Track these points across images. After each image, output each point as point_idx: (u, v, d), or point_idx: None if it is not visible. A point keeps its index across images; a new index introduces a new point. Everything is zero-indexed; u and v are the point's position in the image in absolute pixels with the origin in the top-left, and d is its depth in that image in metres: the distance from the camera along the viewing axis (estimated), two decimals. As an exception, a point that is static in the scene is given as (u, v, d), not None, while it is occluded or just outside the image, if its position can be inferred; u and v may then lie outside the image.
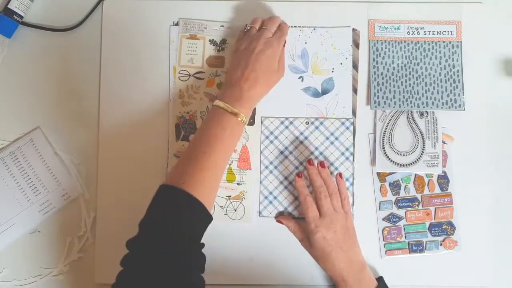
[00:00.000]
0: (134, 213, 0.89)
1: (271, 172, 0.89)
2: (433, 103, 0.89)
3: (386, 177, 0.89)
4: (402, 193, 0.89)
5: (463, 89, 0.89)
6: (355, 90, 0.90)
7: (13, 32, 0.90)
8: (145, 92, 0.90)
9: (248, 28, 0.87)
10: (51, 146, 0.90)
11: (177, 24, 0.91)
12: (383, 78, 0.90)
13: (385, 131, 0.89)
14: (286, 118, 0.90)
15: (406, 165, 0.88)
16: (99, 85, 0.90)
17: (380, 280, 0.84)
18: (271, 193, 0.89)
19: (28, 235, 0.89)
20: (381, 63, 0.90)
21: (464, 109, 0.89)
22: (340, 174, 0.86)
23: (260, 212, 0.89)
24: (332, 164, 0.89)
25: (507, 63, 0.90)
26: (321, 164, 0.85)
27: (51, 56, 0.91)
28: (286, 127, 0.90)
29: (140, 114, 0.90)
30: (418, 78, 0.90)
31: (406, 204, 0.89)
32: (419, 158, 0.88)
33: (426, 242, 0.88)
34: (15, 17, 0.89)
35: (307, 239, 0.84)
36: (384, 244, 0.88)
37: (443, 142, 0.89)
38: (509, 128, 0.90)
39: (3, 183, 0.88)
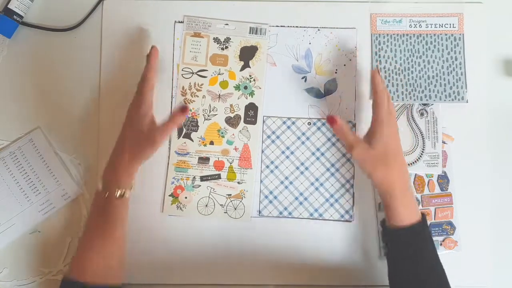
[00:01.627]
0: (133, 212, 0.89)
1: (272, 171, 0.89)
2: (436, 96, 0.89)
3: (386, 177, 0.89)
4: (402, 193, 0.89)
5: (465, 82, 0.89)
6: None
7: (13, 32, 0.90)
8: (146, 92, 0.90)
9: None
10: (51, 146, 0.90)
11: (181, 22, 0.91)
12: (385, 71, 0.90)
13: (385, 131, 0.89)
14: (289, 118, 0.90)
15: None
16: (99, 85, 0.90)
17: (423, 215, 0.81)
18: (271, 192, 0.89)
19: (28, 235, 0.89)
20: (384, 57, 0.91)
21: (467, 101, 0.89)
22: (378, 70, 0.85)
23: (260, 211, 0.89)
24: (333, 165, 0.89)
25: (507, 63, 0.90)
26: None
27: (51, 56, 0.91)
28: (288, 127, 0.90)
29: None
30: (420, 71, 0.90)
31: (406, 204, 0.89)
32: (419, 158, 0.88)
33: (426, 242, 0.88)
34: (15, 17, 0.89)
35: (359, 140, 0.79)
36: (384, 245, 0.88)
37: (443, 142, 0.89)
38: (509, 128, 0.90)
39: (3, 183, 0.88)
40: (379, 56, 0.90)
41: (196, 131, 0.90)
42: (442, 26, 0.91)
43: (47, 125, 0.90)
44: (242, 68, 0.90)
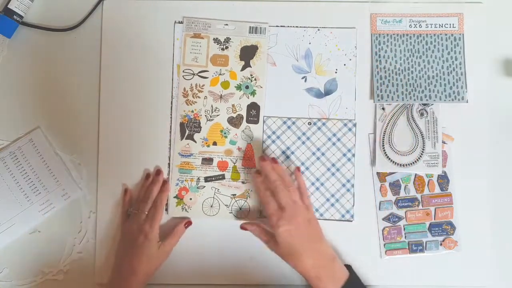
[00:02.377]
0: (134, 213, 0.89)
1: (272, 171, 0.89)
2: (435, 96, 0.89)
3: (386, 177, 0.89)
4: (402, 193, 0.89)
5: (465, 82, 0.89)
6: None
7: (13, 32, 0.90)
8: (146, 92, 0.90)
9: (129, 212, 0.87)
10: (51, 146, 0.90)
11: (181, 22, 0.91)
12: (385, 71, 0.90)
13: (385, 131, 0.89)
14: (289, 118, 0.90)
15: (406, 165, 0.88)
16: (99, 85, 0.90)
17: (349, 268, 0.83)
18: (272, 192, 0.89)
19: (28, 235, 0.89)
20: (384, 57, 0.90)
21: (467, 101, 0.89)
22: (298, 168, 0.87)
23: (260, 212, 0.89)
24: (333, 165, 0.89)
25: (507, 63, 0.90)
26: (274, 160, 0.86)
27: (51, 56, 0.91)
28: (289, 127, 0.90)
29: (140, 113, 0.90)
30: (420, 71, 0.90)
31: (406, 204, 0.89)
32: (419, 158, 0.88)
33: (426, 242, 0.88)
34: (15, 17, 0.89)
35: (272, 238, 0.83)
36: (384, 244, 0.88)
37: (443, 142, 0.89)
38: (509, 128, 0.90)
39: (3, 183, 0.88)
40: (379, 56, 0.90)
41: (199, 132, 0.90)
42: (442, 26, 0.91)
43: (47, 125, 0.90)
44: (243, 68, 0.90)
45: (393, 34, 0.91)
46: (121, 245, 0.86)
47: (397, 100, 0.89)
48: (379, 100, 0.89)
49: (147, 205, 0.86)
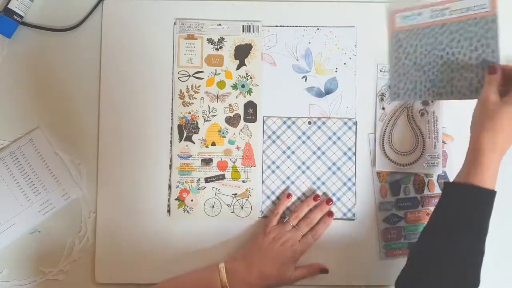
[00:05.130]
0: (134, 213, 0.89)
1: (273, 172, 0.89)
2: (459, 92, 0.83)
3: (386, 177, 0.89)
4: (402, 194, 0.89)
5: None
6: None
7: (13, 32, 0.90)
8: (146, 91, 0.90)
9: (286, 220, 0.87)
10: (51, 146, 0.89)
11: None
12: (404, 68, 0.87)
13: (385, 131, 0.89)
14: (289, 118, 0.90)
15: (406, 165, 0.88)
16: (99, 85, 0.90)
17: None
18: (273, 192, 0.89)
19: (28, 235, 0.89)
20: (403, 53, 0.88)
21: None
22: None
23: (262, 212, 0.89)
24: (334, 164, 0.89)
25: (507, 63, 0.90)
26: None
27: (51, 56, 0.91)
28: (289, 127, 0.90)
29: (140, 113, 0.90)
30: (443, 65, 0.84)
31: (406, 204, 0.89)
32: (419, 158, 0.88)
33: (426, 242, 0.88)
34: (15, 17, 0.89)
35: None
36: (385, 245, 0.88)
37: (443, 142, 0.89)
38: (509, 128, 0.90)
39: (3, 183, 0.88)
40: (398, 53, 0.88)
41: (197, 133, 0.90)
42: (469, 10, 0.82)
43: (47, 125, 0.90)
44: (238, 67, 0.90)
45: (413, 28, 0.86)
46: (260, 238, 0.85)
47: (414, 98, 0.87)
48: (396, 98, 0.88)
49: (306, 228, 0.86)
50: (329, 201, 0.88)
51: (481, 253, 0.72)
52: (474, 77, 0.82)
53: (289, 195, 0.88)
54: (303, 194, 0.89)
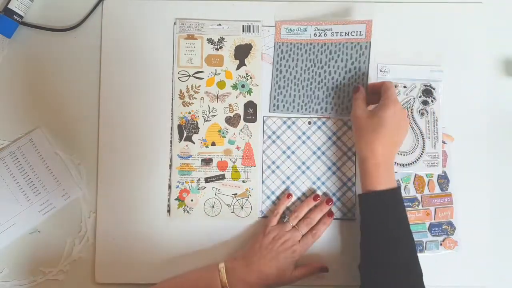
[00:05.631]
0: (134, 213, 0.89)
1: (273, 172, 0.89)
2: (332, 109, 0.89)
3: (386, 177, 0.89)
4: (402, 193, 0.89)
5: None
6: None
7: (13, 32, 0.90)
8: (146, 91, 0.90)
9: (286, 220, 0.87)
10: (51, 146, 0.89)
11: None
12: (284, 81, 0.89)
13: (385, 131, 0.89)
14: (289, 118, 0.90)
15: (406, 165, 0.88)
16: (99, 85, 0.90)
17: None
18: (273, 192, 0.89)
19: (28, 235, 0.89)
20: (285, 66, 0.90)
21: None
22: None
23: (262, 212, 0.89)
24: (334, 164, 0.89)
25: (507, 63, 0.90)
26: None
27: (51, 56, 0.91)
28: (289, 127, 0.90)
29: (140, 113, 0.90)
30: (320, 82, 0.89)
31: (406, 204, 0.88)
32: (419, 158, 0.88)
33: (426, 242, 0.88)
34: (15, 17, 0.89)
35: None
36: (384, 244, 0.88)
37: (443, 142, 0.89)
38: (509, 128, 0.90)
39: (3, 183, 0.88)
40: (280, 65, 0.90)
41: (197, 133, 0.90)
42: (348, 34, 0.88)
43: (47, 125, 0.90)
44: (238, 67, 0.91)
45: (296, 43, 0.89)
46: (260, 238, 0.85)
47: (291, 111, 0.89)
48: (274, 110, 0.89)
49: (305, 228, 0.86)
50: (329, 201, 0.88)
51: (412, 244, 0.78)
52: (346, 96, 0.89)
53: (289, 195, 0.88)
54: (303, 194, 0.89)
